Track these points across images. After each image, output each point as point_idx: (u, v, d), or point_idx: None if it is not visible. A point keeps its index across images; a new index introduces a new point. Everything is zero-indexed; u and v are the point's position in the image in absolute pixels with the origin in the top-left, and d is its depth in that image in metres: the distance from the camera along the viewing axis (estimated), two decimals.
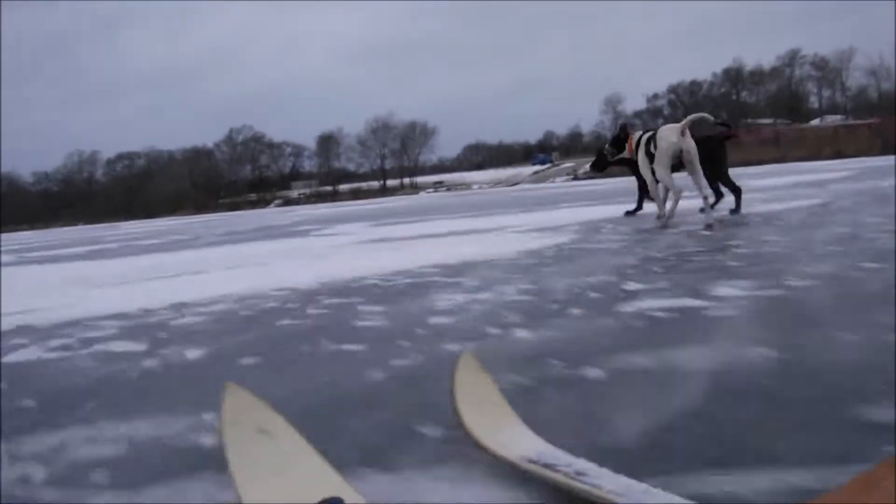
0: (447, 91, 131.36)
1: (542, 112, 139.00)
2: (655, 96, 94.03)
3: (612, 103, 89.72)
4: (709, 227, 5.66)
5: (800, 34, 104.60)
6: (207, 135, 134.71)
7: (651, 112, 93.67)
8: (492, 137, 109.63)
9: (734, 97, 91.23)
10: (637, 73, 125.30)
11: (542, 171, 73.03)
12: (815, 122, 79.39)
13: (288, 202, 79.16)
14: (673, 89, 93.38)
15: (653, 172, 6.34)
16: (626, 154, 7.03)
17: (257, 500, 1.12)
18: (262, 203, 79.53)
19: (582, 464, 1.19)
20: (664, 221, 6.33)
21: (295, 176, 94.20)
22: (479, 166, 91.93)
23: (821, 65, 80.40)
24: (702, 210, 6.20)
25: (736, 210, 6.80)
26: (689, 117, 6.14)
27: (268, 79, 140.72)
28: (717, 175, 7.02)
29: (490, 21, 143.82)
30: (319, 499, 1.03)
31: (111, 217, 69.30)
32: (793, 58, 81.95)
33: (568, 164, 73.07)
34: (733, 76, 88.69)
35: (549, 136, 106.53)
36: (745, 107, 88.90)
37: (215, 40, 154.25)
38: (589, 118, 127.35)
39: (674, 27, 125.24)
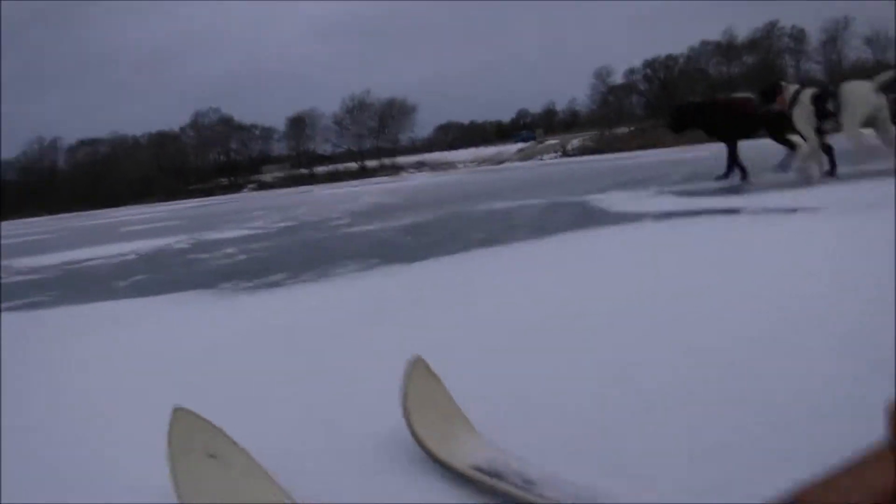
0: (417, 70, 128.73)
1: (512, 91, 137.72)
2: (632, 71, 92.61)
3: (601, 76, 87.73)
4: None
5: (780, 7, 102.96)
6: (174, 119, 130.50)
7: (625, 88, 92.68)
8: (462, 117, 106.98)
9: (711, 71, 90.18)
10: (610, 49, 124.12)
11: (528, 148, 71.44)
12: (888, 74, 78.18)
13: (262, 186, 76.75)
14: (649, 64, 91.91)
15: (817, 130, 6.20)
16: (776, 106, 6.68)
17: None
18: (235, 188, 77.04)
19: (532, 471, 1.21)
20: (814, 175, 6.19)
21: (265, 159, 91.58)
22: (451, 146, 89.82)
23: (799, 36, 79.27)
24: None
25: (832, 171, 6.69)
26: (883, 74, 5.86)
27: (236, 61, 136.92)
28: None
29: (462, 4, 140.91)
30: None
31: (75, 207, 66.43)
32: (770, 30, 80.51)
33: (553, 141, 71.73)
34: (710, 50, 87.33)
35: (522, 114, 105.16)
36: (721, 80, 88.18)
37: (183, 21, 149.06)
38: (562, 96, 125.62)
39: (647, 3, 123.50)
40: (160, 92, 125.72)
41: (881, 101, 5.81)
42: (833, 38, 71.92)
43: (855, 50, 71.54)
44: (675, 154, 21.50)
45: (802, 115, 6.31)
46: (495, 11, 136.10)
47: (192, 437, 1.21)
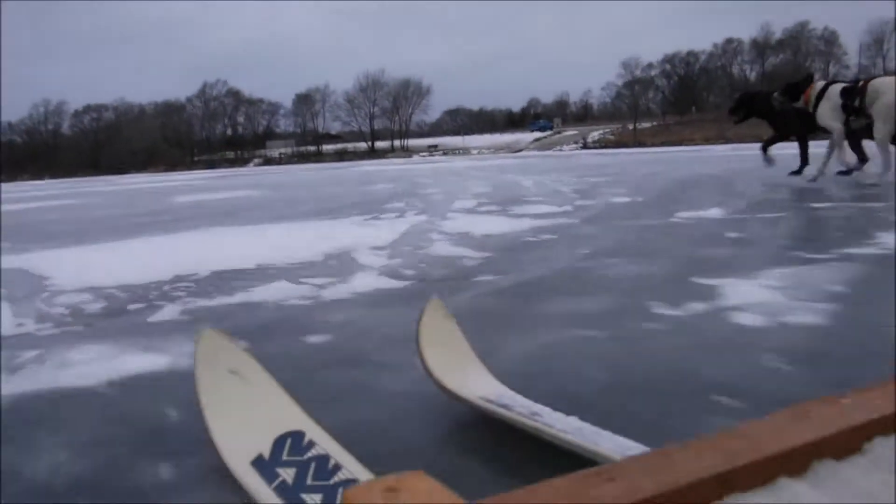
0: (431, 56, 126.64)
1: (524, 81, 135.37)
2: (650, 66, 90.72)
3: (629, 67, 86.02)
4: None
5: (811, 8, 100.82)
6: (181, 89, 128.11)
7: (641, 82, 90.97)
8: (471, 104, 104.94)
9: (731, 70, 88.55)
10: (626, 45, 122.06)
11: (545, 137, 69.62)
12: None
13: (268, 161, 75.20)
14: (668, 59, 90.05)
15: (846, 125, 6.11)
16: (800, 104, 6.50)
17: (225, 433, 1.19)
18: (241, 162, 75.57)
19: (537, 407, 1.26)
20: (876, 177, 6.01)
21: (270, 135, 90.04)
22: (458, 132, 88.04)
23: (830, 38, 77.22)
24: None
25: None
26: None
27: (248, 36, 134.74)
28: None
29: None
30: (283, 431, 1.17)
31: (77, 172, 65.02)
32: (801, 30, 78.46)
33: (571, 132, 69.93)
34: (734, 48, 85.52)
35: (533, 103, 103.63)
36: (744, 80, 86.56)
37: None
38: (576, 89, 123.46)
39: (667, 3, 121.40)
40: (169, 63, 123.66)
41: None
42: (879, 41, 69.11)
43: None
44: (719, 152, 19.84)
45: (828, 109, 6.19)
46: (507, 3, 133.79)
47: (216, 355, 1.26)
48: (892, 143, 6.26)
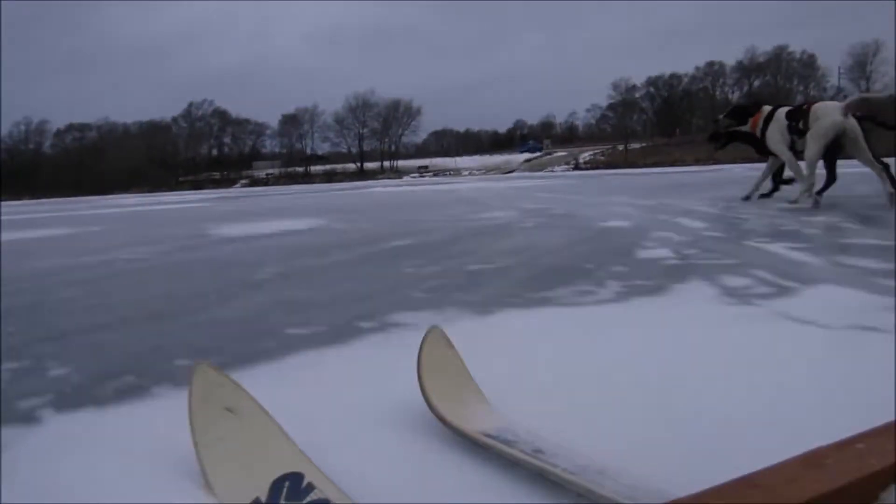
0: (416, 78, 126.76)
1: (510, 103, 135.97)
2: (634, 87, 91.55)
3: (619, 88, 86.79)
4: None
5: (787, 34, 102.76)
6: (166, 110, 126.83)
7: (626, 104, 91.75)
8: (456, 125, 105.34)
9: (714, 92, 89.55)
10: (611, 68, 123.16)
11: (536, 158, 69.77)
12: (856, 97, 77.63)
13: (255, 182, 74.64)
14: (652, 82, 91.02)
15: (791, 149, 6.19)
16: (746, 128, 6.57)
17: (221, 475, 1.16)
18: (227, 182, 74.79)
19: (540, 442, 1.23)
20: (812, 199, 5.93)
21: (256, 155, 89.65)
22: (443, 153, 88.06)
23: (808, 62, 78.58)
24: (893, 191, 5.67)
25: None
26: (853, 97, 6.33)
27: (238, 59, 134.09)
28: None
29: (466, 14, 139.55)
30: (280, 473, 1.12)
31: (59, 192, 64.09)
32: (779, 54, 79.81)
33: (561, 153, 70.13)
34: (716, 70, 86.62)
35: (519, 124, 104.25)
36: (726, 102, 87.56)
37: (187, 17, 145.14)
38: (561, 111, 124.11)
39: (650, 27, 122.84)
40: (155, 83, 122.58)
41: (850, 123, 5.70)
42: (861, 63, 70.17)
43: (883, 77, 69.93)
44: (718, 173, 19.70)
45: (776, 133, 6.25)
46: (497, 23, 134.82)
47: (211, 391, 1.24)
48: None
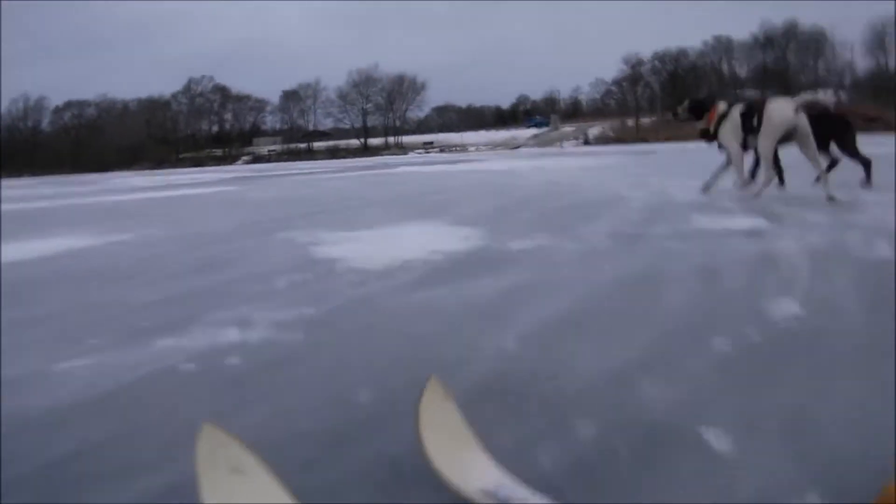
0: (418, 53, 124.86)
1: (511, 78, 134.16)
2: (639, 62, 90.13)
3: (630, 62, 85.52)
4: (831, 199, 5.64)
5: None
6: (166, 86, 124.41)
7: (633, 79, 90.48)
8: (458, 100, 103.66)
9: (723, 67, 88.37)
10: (614, 41, 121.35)
11: (543, 134, 68.68)
12: (807, 95, 77.09)
13: (257, 159, 73.68)
14: (659, 56, 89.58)
15: (743, 144, 6.38)
16: (702, 124, 6.69)
17: None
18: (229, 159, 73.92)
19: (538, 499, 1.22)
20: (756, 191, 6.29)
21: (257, 132, 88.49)
22: (446, 128, 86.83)
23: (818, 37, 77.17)
24: (817, 179, 6.18)
25: (867, 182, 6.84)
26: (804, 94, 6.56)
27: (236, 33, 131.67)
28: (848, 148, 6.98)
29: None
30: None
31: (58, 170, 63.18)
32: (790, 29, 78.38)
33: (569, 129, 69.03)
34: (724, 44, 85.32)
35: (522, 99, 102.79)
36: (732, 78, 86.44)
37: None
38: (564, 86, 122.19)
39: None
40: (154, 59, 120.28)
41: (801, 119, 5.93)
42: (881, 37, 68.72)
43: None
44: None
45: (729, 129, 6.40)
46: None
47: (217, 453, 1.25)
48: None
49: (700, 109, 6.79)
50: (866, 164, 6.95)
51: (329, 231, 5.29)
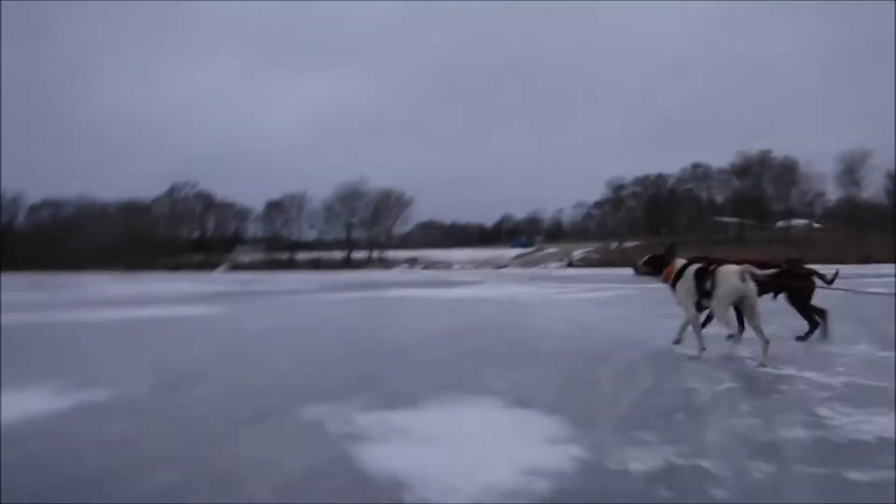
0: (407, 169, 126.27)
1: (496, 198, 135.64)
2: (621, 186, 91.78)
3: (613, 186, 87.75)
4: (762, 365, 5.75)
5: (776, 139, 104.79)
6: (148, 189, 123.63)
7: (614, 202, 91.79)
8: (443, 217, 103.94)
9: (700, 193, 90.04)
10: (597, 165, 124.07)
11: (528, 254, 68.56)
12: (781, 223, 78.64)
13: (237, 267, 72.58)
14: (640, 181, 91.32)
15: (697, 306, 6.42)
16: (661, 279, 6.76)
17: None
18: (209, 266, 72.62)
19: None
20: (699, 356, 6.26)
21: (238, 240, 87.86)
22: (430, 245, 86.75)
23: (791, 167, 79.43)
24: (730, 339, 6.29)
25: (824, 334, 7.16)
26: (747, 265, 6.22)
27: (226, 140, 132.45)
28: (805, 307, 7.30)
29: (456, 105, 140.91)
30: None
31: (29, 267, 61.51)
32: (763, 159, 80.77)
33: (553, 250, 69.02)
34: (702, 172, 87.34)
35: (506, 219, 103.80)
36: (710, 204, 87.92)
37: (178, 96, 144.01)
38: (547, 207, 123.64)
39: (641, 125, 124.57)
40: (138, 160, 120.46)
41: (749, 286, 6.11)
42: (851, 170, 70.59)
43: (873, 183, 70.79)
44: None
45: (684, 290, 6.46)
46: (485, 116, 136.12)
47: None
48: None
49: (659, 264, 6.81)
50: (815, 323, 7.27)
51: (363, 411, 4.21)
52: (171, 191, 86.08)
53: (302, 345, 7.89)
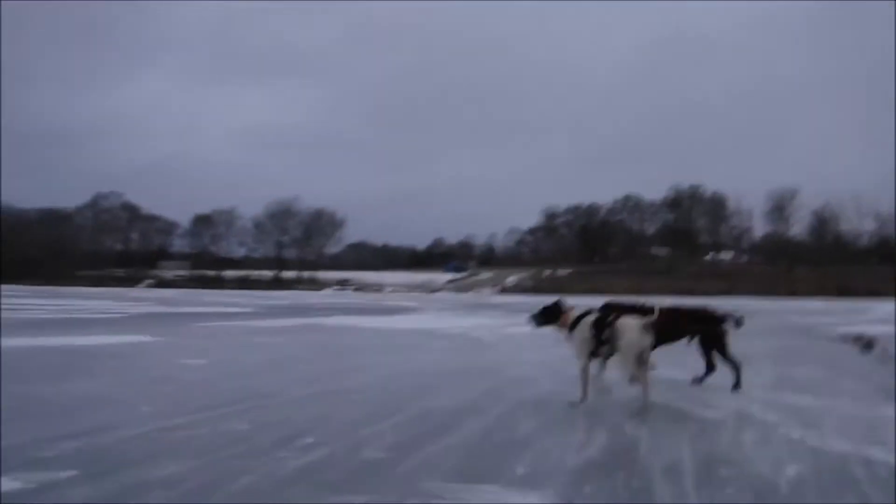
0: (340, 188, 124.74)
1: (428, 221, 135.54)
2: (553, 215, 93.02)
3: (548, 214, 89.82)
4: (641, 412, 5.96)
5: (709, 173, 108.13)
6: (72, 199, 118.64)
7: (547, 230, 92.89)
8: (375, 239, 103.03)
9: (632, 224, 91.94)
10: (534, 192, 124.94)
11: (460, 279, 68.43)
12: (709, 256, 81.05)
13: (161, 283, 70.36)
14: (572, 210, 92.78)
15: (594, 354, 6.49)
16: (558, 327, 6.78)
17: None
18: (131, 281, 70.18)
19: None
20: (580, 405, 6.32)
21: (164, 254, 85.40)
22: (360, 266, 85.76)
23: (719, 202, 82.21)
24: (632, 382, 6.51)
25: (737, 385, 7.14)
26: (647, 319, 6.38)
27: (157, 152, 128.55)
28: (721, 351, 7.34)
29: (395, 126, 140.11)
30: None
31: None
32: (693, 193, 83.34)
33: (487, 275, 68.98)
34: (633, 203, 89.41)
35: (438, 243, 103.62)
36: (640, 235, 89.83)
37: (108, 107, 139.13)
38: (482, 230, 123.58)
39: (577, 154, 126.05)
40: (65, 171, 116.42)
41: (647, 340, 6.23)
42: (780, 207, 73.06)
43: (801, 220, 73.77)
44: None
45: (580, 338, 6.49)
46: (421, 139, 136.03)
47: None
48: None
49: (553, 315, 6.81)
50: (710, 368, 7.38)
51: None
52: (95, 201, 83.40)
53: (250, 401, 6.35)
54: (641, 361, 6.26)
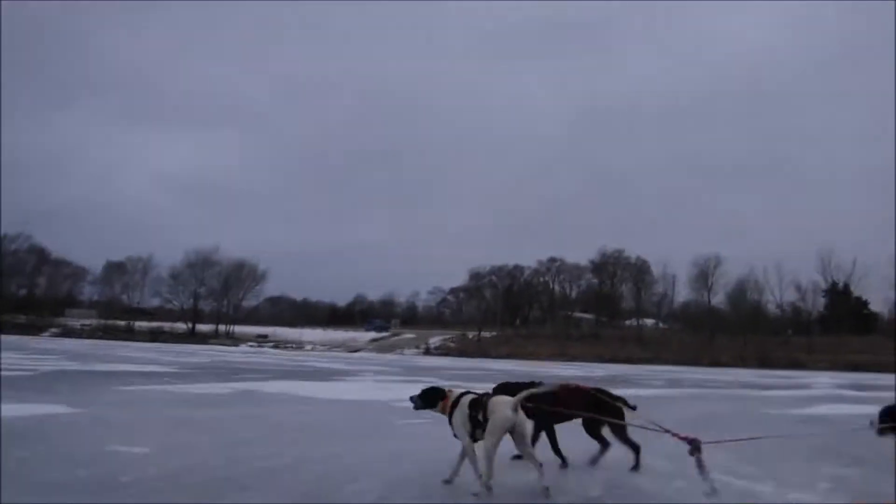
0: (260, 240, 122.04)
1: (350, 277, 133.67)
2: (478, 275, 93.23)
3: (472, 274, 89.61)
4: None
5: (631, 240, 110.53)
6: None
7: (470, 291, 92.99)
8: (294, 293, 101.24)
9: (555, 287, 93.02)
10: (457, 252, 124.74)
11: (383, 338, 67.25)
12: (630, 322, 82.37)
13: (67, 332, 66.82)
14: (496, 271, 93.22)
15: (472, 436, 6.40)
16: (438, 411, 6.76)
17: None
18: (35, 329, 66.38)
19: None
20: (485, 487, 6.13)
21: (71, 302, 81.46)
22: (280, 321, 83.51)
23: (642, 268, 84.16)
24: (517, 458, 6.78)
25: (636, 466, 7.18)
26: (522, 394, 6.49)
27: (74, 192, 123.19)
28: (617, 434, 7.39)
29: (323, 184, 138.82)
30: None
31: None
32: (617, 257, 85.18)
33: (410, 335, 67.96)
34: (557, 266, 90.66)
35: (360, 299, 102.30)
36: (563, 299, 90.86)
37: (28, 143, 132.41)
38: (404, 288, 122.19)
39: (501, 217, 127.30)
40: None
41: (519, 417, 6.24)
42: (704, 275, 74.59)
43: (724, 286, 74.97)
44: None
45: (460, 421, 6.45)
46: (344, 197, 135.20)
47: None
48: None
49: (434, 397, 6.80)
50: (605, 444, 7.41)
51: None
52: (1, 243, 79.22)
53: None
54: (521, 438, 6.25)
